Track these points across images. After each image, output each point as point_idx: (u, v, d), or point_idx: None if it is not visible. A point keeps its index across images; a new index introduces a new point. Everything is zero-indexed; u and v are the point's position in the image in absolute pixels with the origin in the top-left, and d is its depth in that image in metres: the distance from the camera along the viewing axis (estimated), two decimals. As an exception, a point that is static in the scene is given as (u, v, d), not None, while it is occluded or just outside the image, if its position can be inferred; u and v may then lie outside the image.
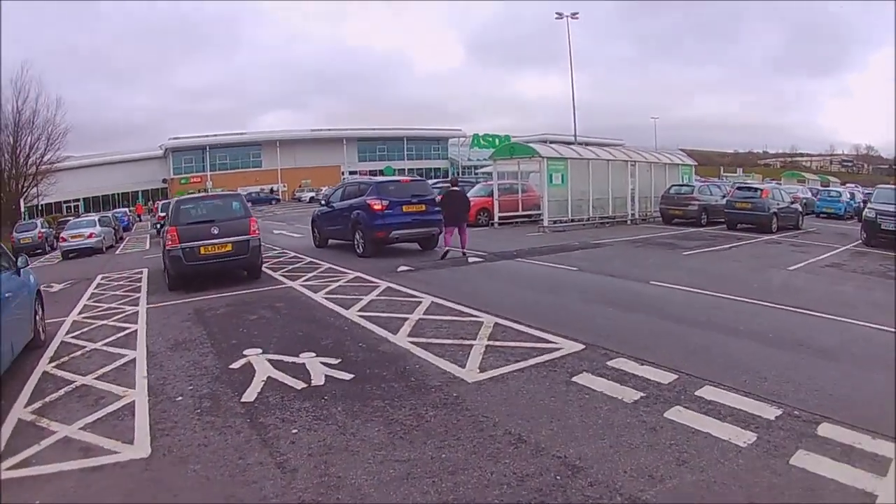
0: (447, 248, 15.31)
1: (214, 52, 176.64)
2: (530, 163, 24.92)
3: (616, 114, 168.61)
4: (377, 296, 10.22)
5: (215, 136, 75.71)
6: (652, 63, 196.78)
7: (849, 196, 36.08)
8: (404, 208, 15.08)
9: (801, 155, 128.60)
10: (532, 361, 6.38)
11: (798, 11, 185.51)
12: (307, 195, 64.43)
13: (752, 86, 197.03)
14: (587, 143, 38.76)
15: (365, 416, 5.14)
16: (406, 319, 8.37)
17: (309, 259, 15.55)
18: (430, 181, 26.59)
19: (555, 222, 22.15)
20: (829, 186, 46.08)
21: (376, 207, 14.84)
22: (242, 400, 5.66)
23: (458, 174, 53.04)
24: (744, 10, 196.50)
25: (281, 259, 16.09)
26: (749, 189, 23.85)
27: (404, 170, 74.49)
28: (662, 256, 15.48)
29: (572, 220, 22.88)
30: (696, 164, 31.52)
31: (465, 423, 4.90)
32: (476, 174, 60.88)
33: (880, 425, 4.58)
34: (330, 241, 17.54)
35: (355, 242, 15.53)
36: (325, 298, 10.22)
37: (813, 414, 4.85)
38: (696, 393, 5.34)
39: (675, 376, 5.75)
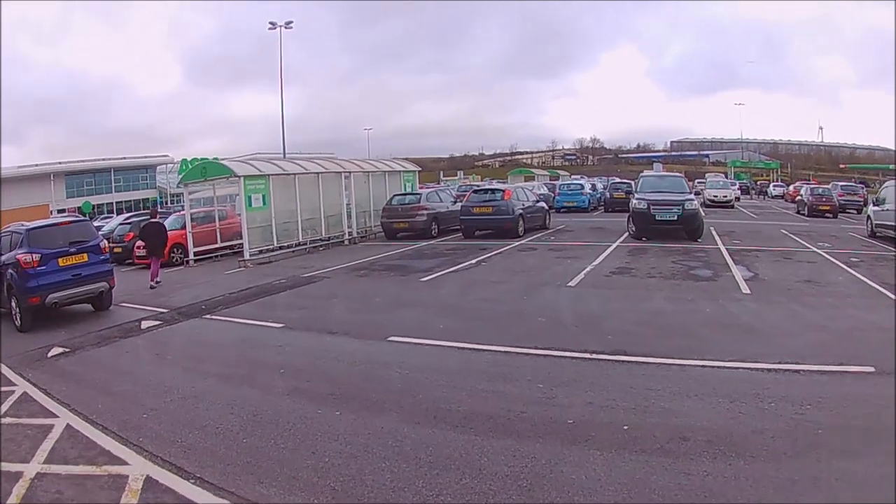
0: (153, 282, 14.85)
1: None
2: (228, 185, 21.37)
3: (331, 128, 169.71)
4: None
5: None
6: (370, 74, 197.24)
7: (591, 188, 36.44)
8: (60, 261, 11.50)
9: (521, 153, 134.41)
10: None
11: (527, 15, 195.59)
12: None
13: (474, 90, 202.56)
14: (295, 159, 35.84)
15: None
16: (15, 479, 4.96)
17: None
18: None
19: (260, 252, 18.63)
20: (558, 181, 47.20)
21: (26, 263, 11.22)
22: None
23: (167, 203, 47.69)
24: (470, 15, 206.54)
25: None
26: (489, 192, 21.62)
27: (112, 203, 68.55)
28: (395, 287, 12.56)
29: (280, 248, 19.47)
30: (419, 169, 29.33)
31: None
32: (191, 198, 54.47)
33: None
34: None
35: (12, 312, 11.73)
36: None
37: None
38: None
39: None
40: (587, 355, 6.98)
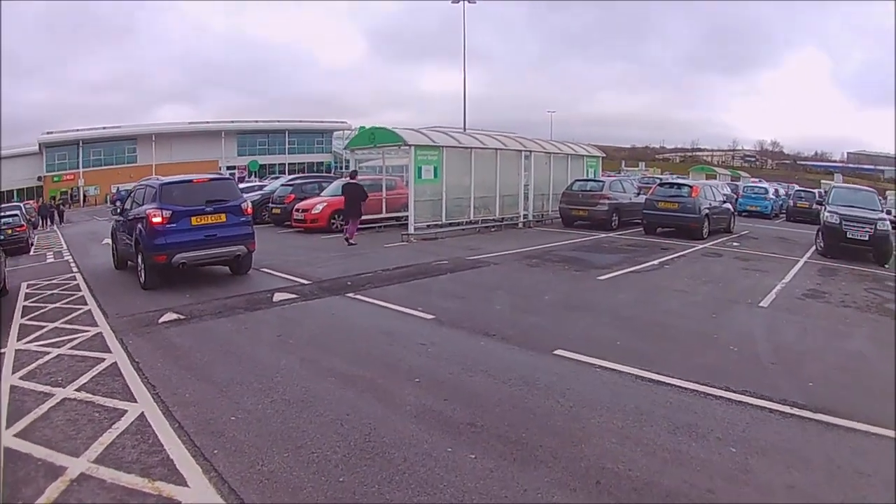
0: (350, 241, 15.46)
1: (113, 44, 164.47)
2: (399, 155, 20.29)
3: (514, 109, 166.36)
4: (73, 392, 5.56)
5: (89, 129, 68.17)
6: (557, 61, 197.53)
7: (773, 193, 33.15)
8: (193, 220, 10.64)
9: (701, 150, 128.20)
10: None
11: (714, 11, 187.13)
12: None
13: (658, 83, 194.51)
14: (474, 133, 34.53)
15: None
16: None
17: (82, 293, 10.76)
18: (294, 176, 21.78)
19: (428, 226, 17.44)
20: (739, 181, 43.32)
21: (155, 220, 10.42)
22: None
23: (342, 168, 48.30)
24: (659, 8, 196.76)
25: (51, 289, 11.42)
26: (676, 186, 19.67)
27: (284, 164, 71.29)
28: (569, 284, 10.78)
29: (449, 224, 18.09)
30: (603, 155, 27.18)
31: None
32: (359, 168, 54.98)
33: None
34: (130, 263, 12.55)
35: (138, 268, 11.11)
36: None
37: None
38: None
39: None
40: (788, 409, 5.27)
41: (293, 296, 9.50)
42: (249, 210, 11.45)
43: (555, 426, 4.75)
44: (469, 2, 43.91)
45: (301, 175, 32.84)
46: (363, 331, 7.56)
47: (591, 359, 6.33)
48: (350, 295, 9.51)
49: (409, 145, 17.05)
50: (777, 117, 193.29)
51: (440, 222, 17.78)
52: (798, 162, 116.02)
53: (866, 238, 14.80)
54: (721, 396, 5.45)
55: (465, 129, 44.66)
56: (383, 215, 19.51)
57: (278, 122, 78.63)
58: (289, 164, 72.37)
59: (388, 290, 9.83)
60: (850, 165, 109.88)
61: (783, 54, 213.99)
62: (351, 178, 17.16)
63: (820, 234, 16.17)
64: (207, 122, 74.31)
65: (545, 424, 4.77)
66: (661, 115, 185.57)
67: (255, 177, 49.63)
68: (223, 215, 10.83)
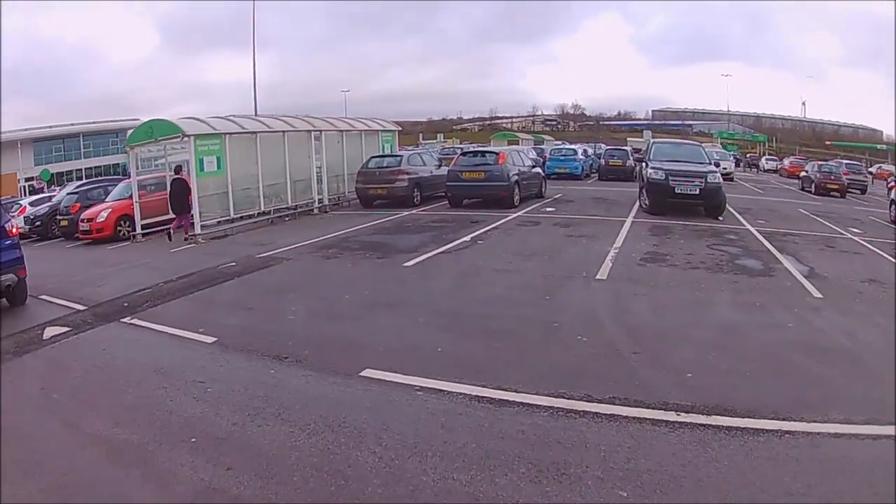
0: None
1: None
2: (183, 146, 18.29)
3: (307, 93, 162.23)
4: None
5: None
6: (347, 41, 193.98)
7: (583, 154, 33.96)
8: None
9: (501, 118, 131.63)
10: None
11: None
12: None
13: (451, 55, 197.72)
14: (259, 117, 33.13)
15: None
16: None
17: None
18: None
19: (218, 223, 16.05)
20: (543, 145, 44.89)
21: None
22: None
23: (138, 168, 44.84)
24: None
25: None
26: (480, 154, 18.96)
27: (82, 169, 66.62)
28: (372, 276, 9.92)
29: (239, 219, 16.67)
30: (400, 129, 26.37)
31: None
32: (154, 166, 51.89)
33: None
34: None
35: None
36: None
37: None
38: None
39: None
40: (674, 416, 4.47)
41: (66, 328, 7.91)
42: (15, 231, 9.71)
43: (373, 496, 3.59)
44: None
45: (86, 181, 30.11)
46: (134, 371, 6.23)
47: (410, 377, 5.33)
48: (126, 320, 8.11)
49: (188, 136, 15.38)
50: (577, 82, 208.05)
51: (229, 217, 16.36)
52: (602, 122, 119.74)
53: (696, 192, 14.84)
54: (586, 412, 4.58)
55: (256, 114, 42.85)
56: (170, 216, 17.44)
57: (71, 125, 73.02)
58: (86, 168, 67.73)
59: (168, 308, 8.55)
60: (657, 122, 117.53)
61: (580, 21, 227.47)
62: (176, 174, 16.22)
63: (644, 191, 16.15)
64: (2, 133, 67.19)
65: (360, 495, 3.62)
66: (457, 87, 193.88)
67: (54, 186, 45.07)
68: None
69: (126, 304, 8.95)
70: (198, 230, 15.21)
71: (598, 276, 8.98)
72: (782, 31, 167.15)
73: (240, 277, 10.29)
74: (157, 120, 16.84)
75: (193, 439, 4.57)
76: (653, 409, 4.61)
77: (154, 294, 9.46)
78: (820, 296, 8.17)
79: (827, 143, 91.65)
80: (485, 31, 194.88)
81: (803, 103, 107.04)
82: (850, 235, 14.00)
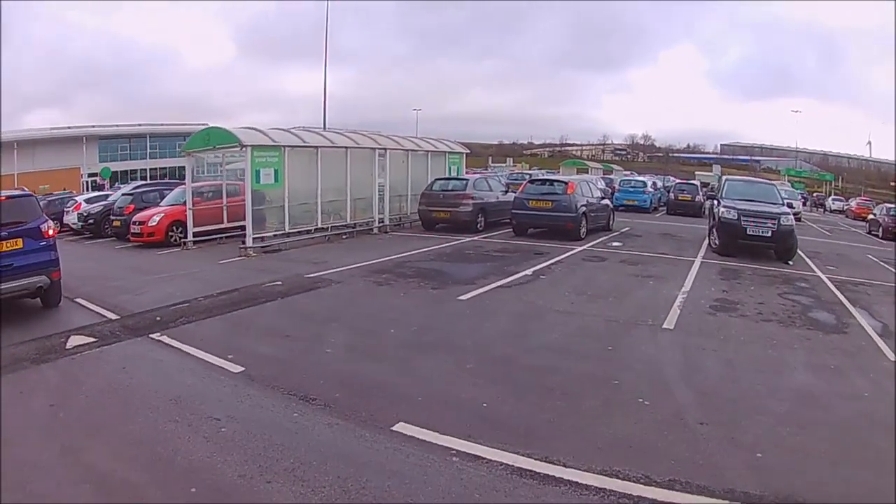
0: None
1: None
2: (241, 155, 18.04)
3: (381, 109, 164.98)
4: None
5: (-56, 141, 63.74)
6: (427, 59, 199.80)
7: (652, 186, 32.70)
8: None
9: (571, 144, 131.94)
10: None
11: (589, 9, 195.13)
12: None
13: (529, 80, 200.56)
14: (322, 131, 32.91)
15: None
16: None
17: None
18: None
19: (275, 235, 15.57)
20: (612, 174, 43.86)
21: None
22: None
23: (203, 173, 45.72)
24: (529, 5, 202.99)
25: None
26: (549, 182, 18.23)
27: (146, 169, 68.41)
28: (423, 310, 9.05)
29: (295, 233, 16.20)
30: (467, 151, 25.44)
31: None
32: (220, 172, 52.34)
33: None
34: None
35: None
36: None
37: None
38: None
39: None
40: None
41: (91, 339, 7.49)
42: (51, 232, 9.36)
43: None
44: (332, -1, 42.58)
45: (144, 182, 30.41)
46: (149, 396, 5.67)
47: (447, 438, 4.62)
48: (155, 335, 7.62)
49: (245, 146, 14.99)
50: (649, 112, 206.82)
51: (284, 231, 15.88)
52: (671, 154, 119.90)
53: (769, 234, 14.02)
54: (641, 497, 3.87)
55: (325, 127, 43.13)
56: (225, 225, 17.38)
57: (139, 125, 74.91)
58: (150, 169, 68.97)
59: (201, 327, 8.03)
60: (725, 156, 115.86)
61: (658, 52, 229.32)
62: None
63: (714, 230, 15.33)
64: (68, 128, 69.62)
65: None
66: (531, 111, 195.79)
67: (118, 184, 46.06)
68: (19, 240, 8.84)
69: (159, 318, 8.52)
70: (249, 242, 14.75)
71: (665, 326, 8.13)
72: (853, 66, 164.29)
73: (283, 299, 9.70)
74: (214, 127, 16.60)
75: (193, 489, 4.01)
76: (717, 497, 3.92)
77: (190, 309, 8.99)
78: (895, 359, 7.25)
79: (892, 183, 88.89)
80: (564, 57, 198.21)
81: (869, 143, 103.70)
82: (922, 287, 12.90)
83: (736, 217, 14.33)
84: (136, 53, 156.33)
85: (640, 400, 5.56)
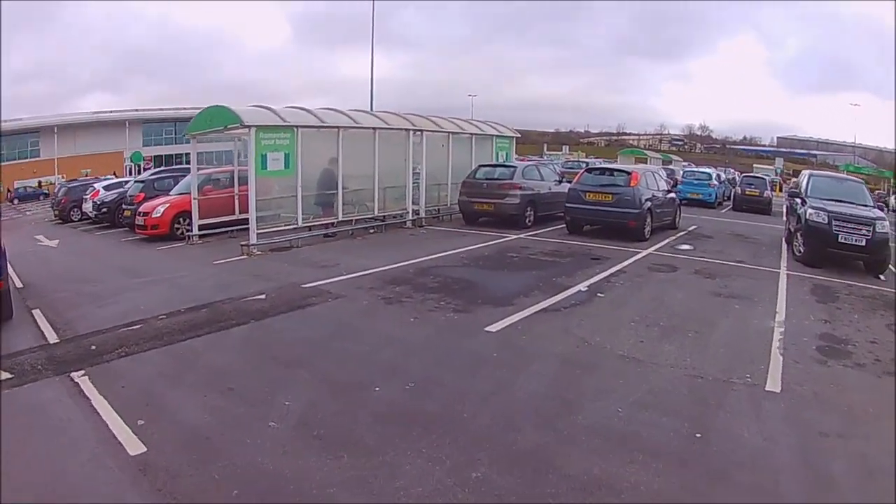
0: None
1: (35, 32, 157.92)
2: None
3: (439, 95, 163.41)
4: None
5: (-8, 123, 64.85)
6: (486, 44, 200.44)
7: (716, 179, 30.19)
8: None
9: (628, 134, 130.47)
10: None
11: None
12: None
13: (587, 67, 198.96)
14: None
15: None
16: None
17: None
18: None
19: (285, 230, 13.67)
20: (671, 165, 41.44)
21: None
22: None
23: (243, 158, 45.02)
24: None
25: None
26: (609, 172, 15.73)
27: (182, 155, 66.27)
28: (435, 349, 6.76)
29: (310, 228, 14.17)
30: (517, 135, 23.02)
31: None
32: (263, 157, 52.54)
33: None
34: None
35: None
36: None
37: None
38: None
39: None
40: None
41: (7, 376, 5.80)
42: None
43: None
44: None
45: (165, 167, 29.31)
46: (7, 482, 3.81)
47: None
48: (77, 375, 5.86)
49: (247, 126, 12.93)
50: (707, 102, 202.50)
51: (297, 226, 13.84)
52: (728, 146, 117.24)
53: (862, 244, 11.82)
54: None
55: (371, 109, 41.35)
56: (236, 217, 15.60)
57: (184, 109, 71.16)
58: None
59: (134, 364, 6.22)
60: (783, 150, 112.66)
61: (717, 41, 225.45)
62: None
63: (799, 235, 13.00)
64: (111, 112, 70.20)
65: None
66: (589, 99, 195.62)
67: (153, 167, 45.68)
68: None
69: (94, 348, 6.76)
70: (253, 240, 12.82)
71: (768, 387, 5.76)
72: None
73: (257, 322, 7.67)
74: (216, 106, 14.41)
75: None
76: None
77: (138, 334, 7.17)
78: None
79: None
80: (623, 44, 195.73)
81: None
82: None
83: (826, 221, 12.11)
84: (192, 39, 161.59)
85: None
